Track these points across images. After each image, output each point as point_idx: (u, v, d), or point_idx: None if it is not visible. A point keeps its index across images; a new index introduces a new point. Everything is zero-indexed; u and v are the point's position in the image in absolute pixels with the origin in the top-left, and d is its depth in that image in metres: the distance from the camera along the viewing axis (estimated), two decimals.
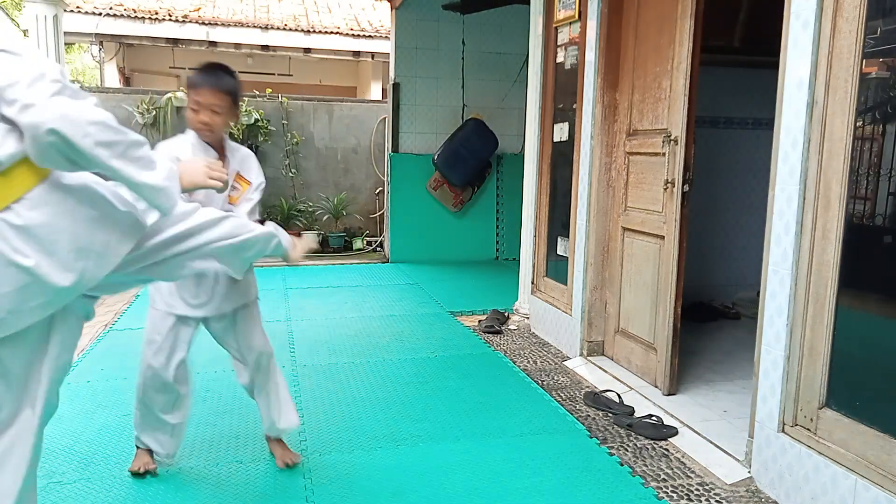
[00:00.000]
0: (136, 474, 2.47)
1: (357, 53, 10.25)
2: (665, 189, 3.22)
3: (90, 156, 1.39)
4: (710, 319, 4.70)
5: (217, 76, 2.28)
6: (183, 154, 2.20)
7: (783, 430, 2.36)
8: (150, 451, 2.49)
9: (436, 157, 7.05)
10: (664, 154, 3.21)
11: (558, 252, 4.35)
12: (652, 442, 2.86)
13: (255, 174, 2.45)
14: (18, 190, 1.40)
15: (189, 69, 11.42)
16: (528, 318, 4.77)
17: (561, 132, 4.27)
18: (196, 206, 1.83)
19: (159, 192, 1.53)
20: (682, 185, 3.14)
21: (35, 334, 1.52)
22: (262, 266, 6.92)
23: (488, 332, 4.52)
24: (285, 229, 2.34)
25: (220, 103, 2.25)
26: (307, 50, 10.01)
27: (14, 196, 1.39)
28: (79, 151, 1.38)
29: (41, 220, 1.42)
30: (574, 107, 4.01)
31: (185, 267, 1.79)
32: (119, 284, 1.74)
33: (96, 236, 1.50)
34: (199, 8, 9.93)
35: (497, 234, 7.61)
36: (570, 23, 4.08)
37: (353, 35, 10.12)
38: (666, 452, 2.77)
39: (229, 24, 9.69)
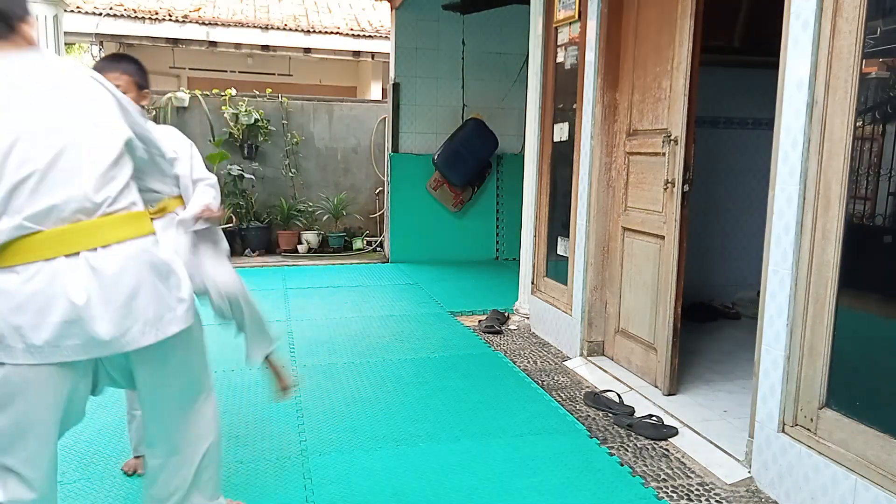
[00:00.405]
0: (127, 474, 2.52)
1: (357, 53, 10.24)
2: (665, 189, 3.22)
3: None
4: (710, 319, 4.70)
5: (117, 60, 2.41)
6: None
7: (783, 430, 2.36)
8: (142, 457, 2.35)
9: (436, 157, 7.05)
10: (664, 154, 3.21)
11: (558, 252, 4.35)
12: (652, 442, 2.86)
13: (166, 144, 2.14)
14: (118, 236, 1.51)
15: (189, 69, 11.46)
16: (528, 318, 4.77)
17: (561, 132, 4.27)
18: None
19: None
20: (682, 185, 3.14)
21: (59, 382, 1.53)
22: (261, 266, 6.92)
23: (488, 332, 4.52)
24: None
25: (120, 84, 2.26)
26: (307, 50, 10.00)
27: (109, 241, 1.49)
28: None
29: (116, 270, 1.49)
30: (574, 107, 4.01)
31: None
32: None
33: (150, 305, 1.55)
34: (199, 8, 9.92)
35: (497, 234, 7.61)
36: (570, 23, 4.08)
37: (353, 35, 10.12)
38: (666, 452, 2.77)
39: (229, 24, 9.68)
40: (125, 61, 2.42)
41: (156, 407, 1.71)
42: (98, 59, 2.55)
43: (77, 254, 1.45)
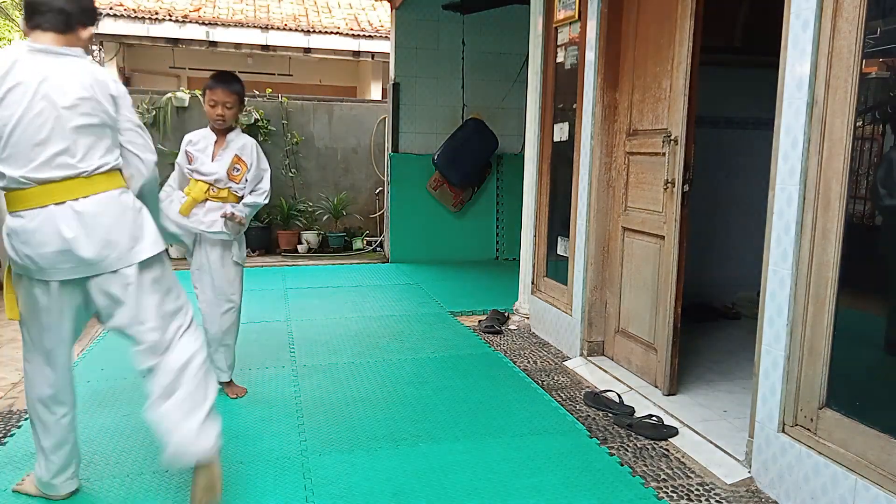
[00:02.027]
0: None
1: (357, 53, 10.25)
2: (665, 189, 3.22)
3: (147, 197, 2.19)
4: (710, 319, 4.70)
5: (228, 80, 3.13)
6: (194, 138, 3.19)
7: (783, 430, 2.36)
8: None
9: (436, 157, 7.05)
10: (664, 154, 3.21)
11: (558, 252, 4.35)
12: (652, 442, 2.86)
13: (252, 157, 3.16)
14: (97, 187, 2.03)
15: (189, 69, 11.46)
16: (528, 318, 4.77)
17: (561, 132, 4.27)
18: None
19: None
20: (682, 185, 3.13)
21: (63, 293, 2.10)
22: (261, 266, 6.92)
23: (488, 332, 4.52)
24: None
25: (230, 100, 3.09)
26: (307, 50, 10.01)
27: (91, 191, 2.02)
28: (146, 192, 2.18)
29: (92, 211, 2.01)
30: (574, 107, 4.01)
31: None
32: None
33: (122, 240, 2.06)
34: (199, 8, 9.93)
35: (497, 234, 7.61)
36: (570, 23, 4.08)
37: (353, 35, 10.12)
38: (666, 452, 2.77)
39: (229, 24, 9.68)
40: (234, 80, 3.15)
41: (136, 316, 2.10)
42: (211, 78, 3.14)
43: (63, 202, 1.99)
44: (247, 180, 3.15)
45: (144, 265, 2.10)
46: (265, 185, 3.21)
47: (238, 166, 3.12)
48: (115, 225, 2.04)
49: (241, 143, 3.15)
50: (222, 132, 3.14)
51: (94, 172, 2.02)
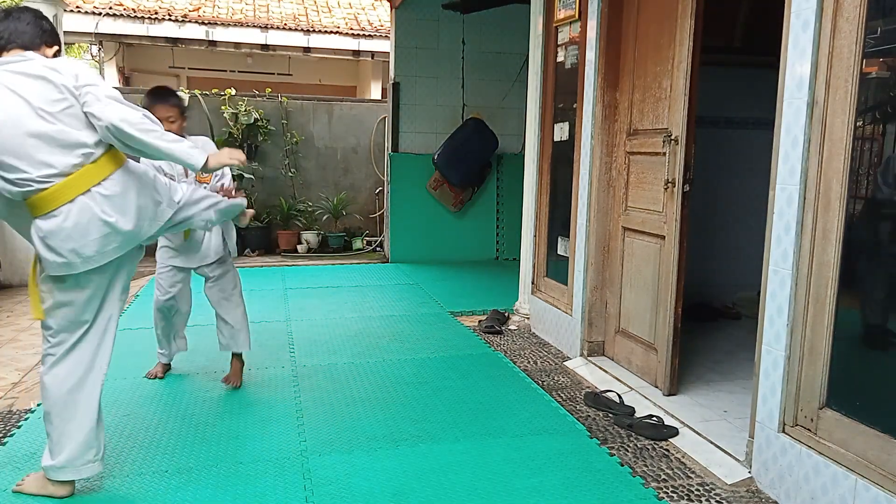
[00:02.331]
0: (149, 377, 3.52)
1: (357, 53, 10.24)
2: (665, 189, 3.22)
3: (138, 139, 2.12)
4: (710, 319, 4.70)
5: (165, 96, 3.17)
6: None
7: (783, 431, 2.36)
8: (167, 366, 3.59)
9: (436, 157, 7.04)
10: (664, 154, 3.21)
11: (558, 252, 4.35)
12: (652, 442, 2.86)
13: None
14: (105, 172, 2.17)
15: (189, 69, 11.46)
16: (528, 318, 4.76)
17: (561, 132, 4.27)
18: (196, 189, 2.67)
19: (188, 155, 2.23)
20: (683, 184, 3.13)
21: (112, 266, 2.28)
22: (261, 266, 6.92)
23: (488, 333, 4.52)
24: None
25: (171, 114, 3.11)
26: (307, 49, 10.01)
27: (103, 176, 2.16)
28: (130, 137, 2.11)
29: (118, 192, 2.19)
30: (574, 106, 4.01)
31: (191, 222, 2.59)
32: (158, 235, 2.52)
33: (149, 206, 2.29)
34: (199, 8, 9.92)
35: (497, 234, 7.61)
36: (571, 22, 4.08)
37: (352, 34, 10.12)
38: (666, 453, 2.77)
39: (229, 24, 9.68)
40: (170, 94, 3.19)
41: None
42: (147, 96, 3.17)
43: (88, 190, 2.13)
44: (216, 175, 3.23)
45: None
46: (227, 179, 3.30)
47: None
48: (138, 196, 2.25)
49: (202, 143, 3.05)
50: None
51: (99, 157, 2.17)
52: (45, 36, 2.28)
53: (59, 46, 2.35)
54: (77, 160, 2.11)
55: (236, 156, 2.36)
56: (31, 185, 2.08)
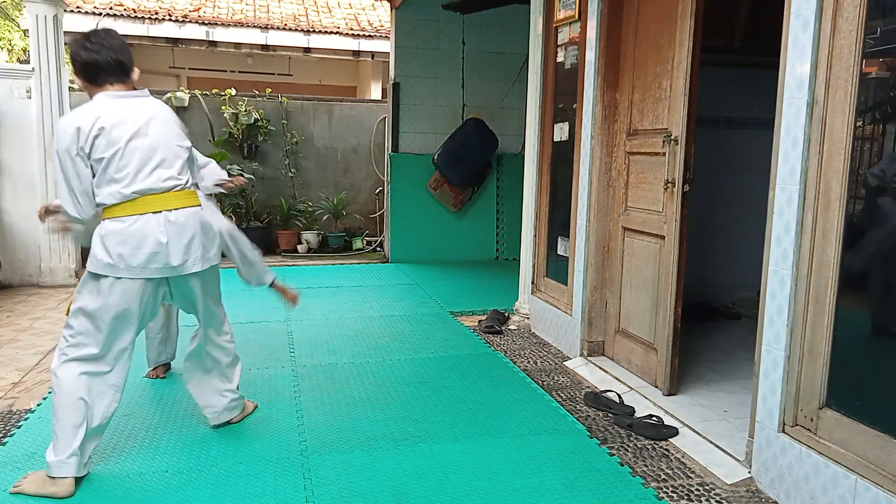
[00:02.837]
0: (149, 378, 3.55)
1: (357, 53, 10.24)
2: (665, 189, 3.22)
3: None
4: (710, 319, 4.70)
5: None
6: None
7: (783, 431, 2.36)
8: (167, 366, 3.62)
9: (436, 157, 7.04)
10: (664, 154, 3.21)
11: (558, 252, 4.35)
12: (652, 442, 2.86)
13: None
14: (188, 201, 2.51)
15: (189, 69, 11.45)
16: (528, 318, 4.77)
17: (561, 132, 4.27)
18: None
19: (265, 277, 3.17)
20: (683, 185, 3.13)
21: (142, 301, 2.47)
22: None
23: (488, 333, 4.52)
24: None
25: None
26: (307, 50, 10.00)
27: (184, 204, 2.49)
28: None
29: (186, 223, 2.48)
30: (574, 106, 4.01)
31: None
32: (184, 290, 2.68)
33: (203, 245, 2.54)
34: (199, 8, 9.92)
35: (497, 234, 7.61)
36: (570, 22, 4.08)
37: (352, 35, 10.11)
38: (666, 453, 2.77)
39: (229, 24, 9.68)
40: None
41: (204, 304, 2.70)
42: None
43: (159, 212, 2.41)
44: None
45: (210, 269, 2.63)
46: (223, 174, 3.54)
47: None
48: (201, 236, 2.52)
49: None
50: None
51: (185, 187, 2.51)
52: (131, 65, 2.54)
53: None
54: (171, 185, 2.47)
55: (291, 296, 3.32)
56: (126, 190, 2.38)
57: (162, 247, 2.39)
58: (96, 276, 2.39)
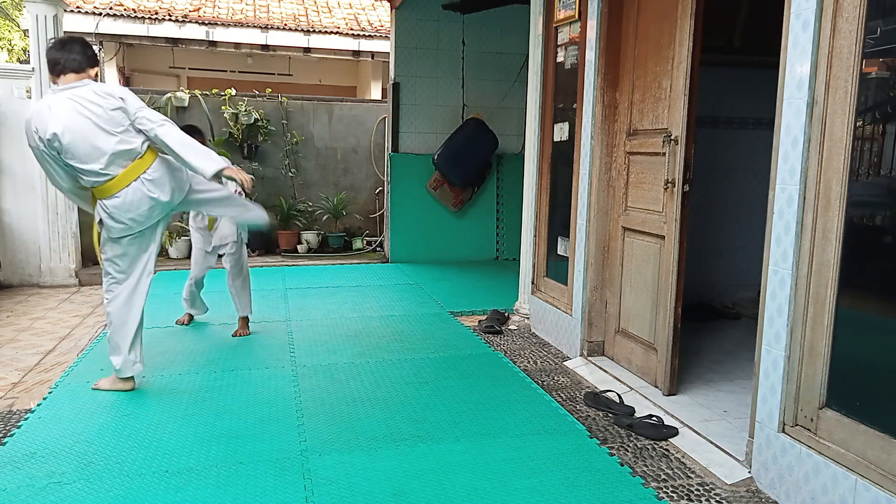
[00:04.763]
0: (178, 324, 4.62)
1: (357, 53, 10.24)
2: (665, 189, 3.22)
3: (172, 150, 3.10)
4: (710, 319, 4.70)
5: (191, 133, 3.57)
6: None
7: (783, 431, 2.36)
8: (191, 317, 4.68)
9: (436, 157, 7.05)
10: (664, 154, 3.21)
11: (558, 252, 4.35)
12: (652, 442, 2.86)
13: None
14: (148, 163, 3.12)
15: (189, 69, 11.45)
16: (528, 318, 4.76)
17: (561, 132, 4.27)
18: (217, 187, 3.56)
19: (201, 165, 3.10)
20: (683, 185, 3.13)
21: (149, 231, 3.26)
22: (261, 266, 6.91)
23: (488, 333, 4.52)
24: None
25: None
26: (307, 50, 10.01)
27: (146, 166, 3.10)
28: (168, 148, 3.11)
29: (158, 175, 3.14)
30: (574, 106, 4.01)
31: (205, 206, 3.65)
32: (180, 209, 3.46)
33: (176, 181, 3.22)
34: (199, 8, 9.92)
35: (497, 234, 7.61)
36: (570, 22, 4.08)
37: (352, 35, 10.12)
38: (666, 453, 2.77)
39: (229, 24, 9.68)
40: (198, 133, 3.95)
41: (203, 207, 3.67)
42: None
43: (138, 177, 3.09)
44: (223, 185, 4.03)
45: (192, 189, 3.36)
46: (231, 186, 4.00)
47: None
48: (170, 177, 3.18)
49: None
50: None
51: (144, 152, 3.11)
52: (89, 61, 3.10)
53: (98, 66, 3.15)
54: (130, 159, 3.07)
55: (243, 176, 3.25)
56: (100, 178, 3.04)
57: (155, 199, 3.13)
58: (117, 238, 3.23)
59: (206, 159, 3.09)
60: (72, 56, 3.03)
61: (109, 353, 3.31)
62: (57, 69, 3.03)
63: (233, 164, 3.38)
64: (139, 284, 3.28)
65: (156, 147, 3.14)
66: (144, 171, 3.08)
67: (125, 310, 3.25)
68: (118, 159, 3.03)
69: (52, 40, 3.22)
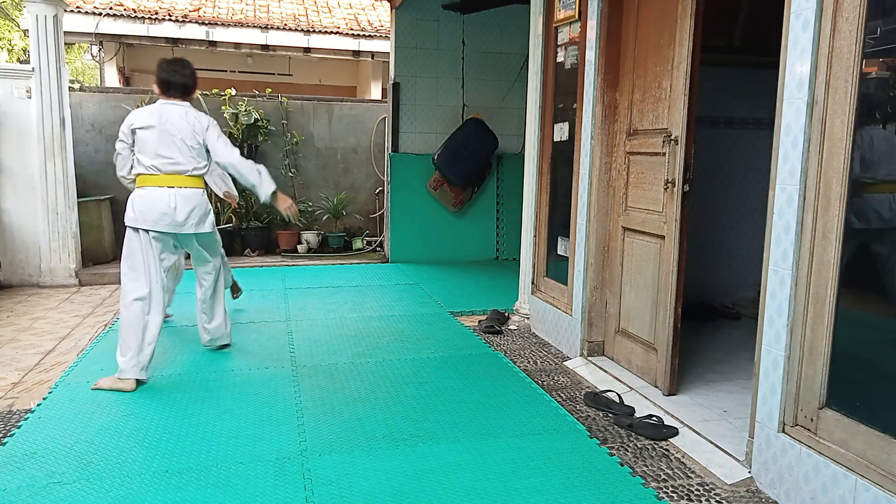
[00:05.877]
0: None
1: (357, 53, 10.24)
2: (665, 189, 3.22)
3: (237, 169, 3.65)
4: (710, 319, 4.70)
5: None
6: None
7: (783, 431, 2.36)
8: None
9: (436, 157, 7.04)
10: (664, 154, 3.21)
11: (558, 252, 4.35)
12: (652, 442, 2.86)
13: None
14: (190, 184, 3.56)
15: None
16: (528, 318, 4.76)
17: (561, 132, 4.27)
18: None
19: (262, 189, 3.66)
20: (683, 185, 3.13)
21: (163, 244, 3.58)
22: (261, 266, 6.92)
23: (488, 333, 4.52)
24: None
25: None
26: (307, 50, 10.00)
27: (187, 185, 3.55)
28: (234, 167, 3.66)
29: (188, 196, 3.54)
30: (574, 106, 4.01)
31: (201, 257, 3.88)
32: (184, 244, 3.79)
33: (201, 214, 3.61)
34: (199, 8, 9.92)
35: (497, 234, 7.61)
36: (570, 22, 4.08)
37: (352, 35, 10.12)
38: (666, 453, 2.77)
39: (229, 24, 9.68)
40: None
41: (200, 253, 3.80)
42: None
43: (172, 187, 3.48)
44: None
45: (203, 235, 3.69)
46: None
47: None
48: (195, 208, 3.54)
49: None
50: None
51: (190, 172, 3.53)
52: (194, 87, 3.71)
53: (197, 89, 3.78)
54: (181, 172, 3.51)
55: (292, 211, 3.84)
56: (151, 166, 3.47)
57: (170, 210, 3.46)
58: (130, 227, 3.51)
59: (264, 181, 3.62)
60: (182, 81, 3.62)
61: (119, 350, 3.45)
62: (168, 89, 3.60)
63: None
64: (151, 300, 3.46)
65: (215, 172, 3.92)
66: (181, 188, 3.49)
67: (139, 318, 3.44)
68: (175, 165, 3.48)
69: (163, 60, 3.69)
